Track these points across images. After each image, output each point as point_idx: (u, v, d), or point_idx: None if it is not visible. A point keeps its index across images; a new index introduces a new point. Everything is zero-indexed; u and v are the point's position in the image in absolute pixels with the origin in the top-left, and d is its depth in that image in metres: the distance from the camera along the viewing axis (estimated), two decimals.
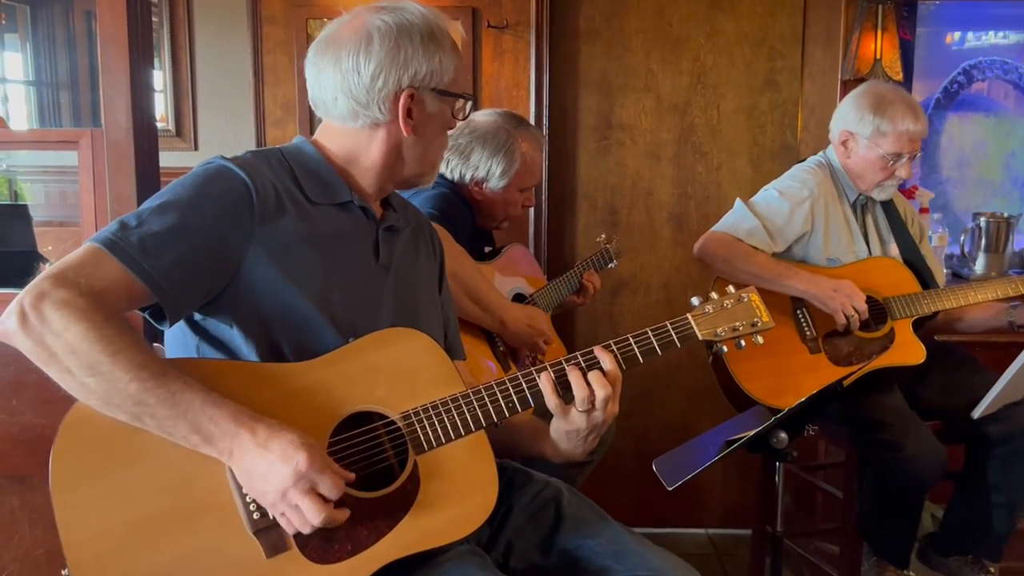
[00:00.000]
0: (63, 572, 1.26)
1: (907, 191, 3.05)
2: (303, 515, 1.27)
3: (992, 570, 2.61)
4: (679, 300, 3.56)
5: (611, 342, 1.48)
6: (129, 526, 1.28)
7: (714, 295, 1.55)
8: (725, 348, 1.55)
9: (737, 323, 1.53)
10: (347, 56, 1.46)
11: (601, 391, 1.41)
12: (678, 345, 1.51)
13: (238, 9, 3.33)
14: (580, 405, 1.42)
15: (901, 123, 2.51)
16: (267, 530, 1.32)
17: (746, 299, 1.55)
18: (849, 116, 2.59)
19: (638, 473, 3.36)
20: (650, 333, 1.50)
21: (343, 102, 1.48)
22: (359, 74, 1.46)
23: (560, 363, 1.45)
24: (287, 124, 3.36)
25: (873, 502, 2.49)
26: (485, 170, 2.35)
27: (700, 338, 1.52)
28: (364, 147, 1.52)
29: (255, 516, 1.31)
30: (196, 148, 3.43)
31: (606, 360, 1.44)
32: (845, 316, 2.45)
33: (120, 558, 1.27)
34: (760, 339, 1.54)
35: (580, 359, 1.45)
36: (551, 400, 1.43)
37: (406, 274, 1.57)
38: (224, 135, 3.40)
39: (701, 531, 3.64)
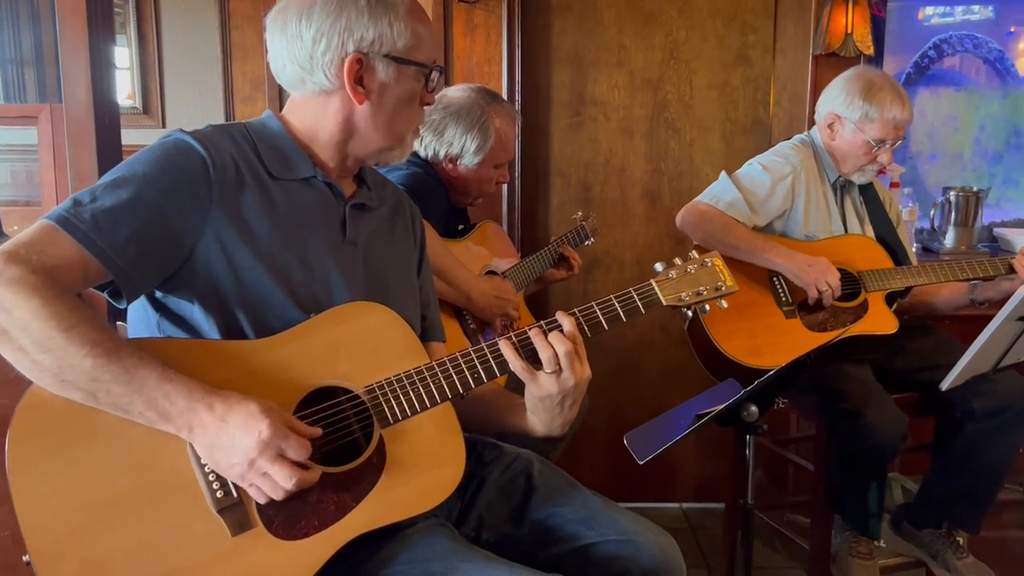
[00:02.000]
0: (24, 558, 1.24)
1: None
2: (274, 481, 1.26)
3: (960, 541, 2.65)
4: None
5: (575, 310, 1.47)
6: (89, 509, 1.25)
7: (678, 260, 1.55)
8: (690, 314, 1.55)
9: (701, 287, 1.53)
10: (292, 21, 1.43)
11: (562, 346, 1.40)
12: (642, 311, 1.50)
13: None
14: (547, 366, 1.41)
15: (889, 110, 2.54)
16: (231, 508, 1.30)
17: (709, 263, 1.55)
18: (838, 100, 2.61)
19: (612, 448, 3.38)
20: (614, 300, 1.50)
21: (290, 69, 1.47)
22: (301, 39, 1.43)
23: (523, 331, 1.44)
24: (256, 100, 3.32)
25: (839, 471, 2.53)
26: (459, 146, 2.33)
27: (664, 303, 1.52)
28: (320, 119, 1.49)
29: (218, 494, 1.30)
30: (164, 125, 3.38)
31: (566, 322, 1.43)
32: (818, 290, 2.47)
33: (81, 541, 1.24)
34: (724, 303, 1.54)
35: (542, 324, 1.45)
36: (516, 363, 1.42)
37: (377, 252, 1.55)
38: (192, 112, 3.35)
39: (675, 505, 3.66)
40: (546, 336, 1.42)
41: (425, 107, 1.54)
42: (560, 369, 1.41)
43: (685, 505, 3.67)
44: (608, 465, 3.44)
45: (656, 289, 1.52)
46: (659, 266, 1.55)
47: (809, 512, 2.74)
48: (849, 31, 3.11)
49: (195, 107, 3.36)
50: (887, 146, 2.58)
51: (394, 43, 1.44)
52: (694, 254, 1.57)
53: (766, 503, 3.23)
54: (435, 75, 1.51)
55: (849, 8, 3.11)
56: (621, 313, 1.49)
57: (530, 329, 1.43)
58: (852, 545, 2.61)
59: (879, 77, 2.60)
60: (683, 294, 1.53)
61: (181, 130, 1.42)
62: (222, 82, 3.31)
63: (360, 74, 1.44)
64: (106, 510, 1.26)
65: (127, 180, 1.32)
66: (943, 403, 2.51)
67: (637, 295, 1.51)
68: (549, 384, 1.42)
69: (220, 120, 3.30)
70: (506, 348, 1.42)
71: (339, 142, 1.50)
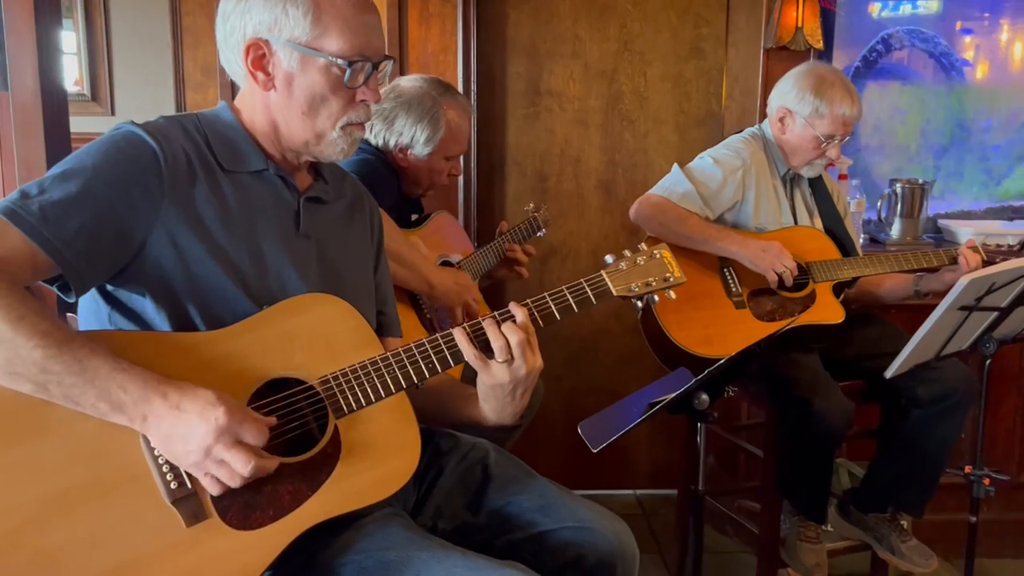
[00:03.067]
0: None
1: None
2: (230, 468, 1.26)
3: (904, 524, 2.72)
4: None
5: (528, 300, 1.49)
6: (42, 500, 1.24)
7: (627, 252, 1.58)
8: (640, 304, 1.58)
9: (650, 278, 1.56)
10: (222, 5, 1.45)
11: (514, 336, 1.42)
12: (593, 301, 1.53)
13: None
14: (499, 355, 1.42)
15: (839, 107, 2.59)
16: (185, 499, 1.30)
17: (658, 255, 1.58)
18: (790, 94, 2.65)
19: (567, 436, 3.39)
20: (566, 290, 1.52)
21: (222, 56, 1.48)
22: (221, 22, 1.44)
23: (476, 321, 1.46)
24: (208, 88, 3.28)
25: (788, 457, 2.58)
26: (409, 136, 2.32)
27: (615, 294, 1.55)
28: (253, 109, 1.48)
29: (172, 485, 1.29)
30: (112, 113, 3.32)
31: (518, 312, 1.45)
32: (776, 273, 2.52)
33: (34, 533, 1.23)
34: (672, 294, 1.58)
35: (496, 315, 1.47)
36: (469, 352, 1.43)
37: (332, 246, 1.55)
38: (142, 99, 3.30)
39: (629, 492, 3.71)
40: (499, 326, 1.44)
41: (364, 103, 1.46)
42: (512, 358, 1.43)
43: (639, 492, 3.72)
44: (564, 452, 3.47)
45: (607, 280, 1.55)
46: (609, 258, 1.58)
47: (759, 498, 2.79)
48: (799, 25, 3.16)
49: (144, 94, 3.31)
50: (835, 141, 2.64)
51: (292, 30, 1.39)
52: (643, 246, 1.60)
53: (717, 489, 3.28)
54: (361, 68, 1.42)
55: (799, 2, 3.16)
56: (573, 304, 1.52)
57: (484, 319, 1.45)
58: (800, 529, 2.67)
59: (831, 74, 2.65)
60: (633, 285, 1.56)
61: (132, 122, 1.40)
62: (172, 69, 3.26)
63: (264, 61, 1.41)
64: (59, 502, 1.25)
65: (76, 172, 1.31)
66: (888, 390, 2.57)
67: (588, 286, 1.53)
68: (501, 373, 1.44)
69: (170, 107, 3.27)
70: (460, 336, 1.43)
71: (269, 133, 1.48)
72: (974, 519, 2.31)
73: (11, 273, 1.23)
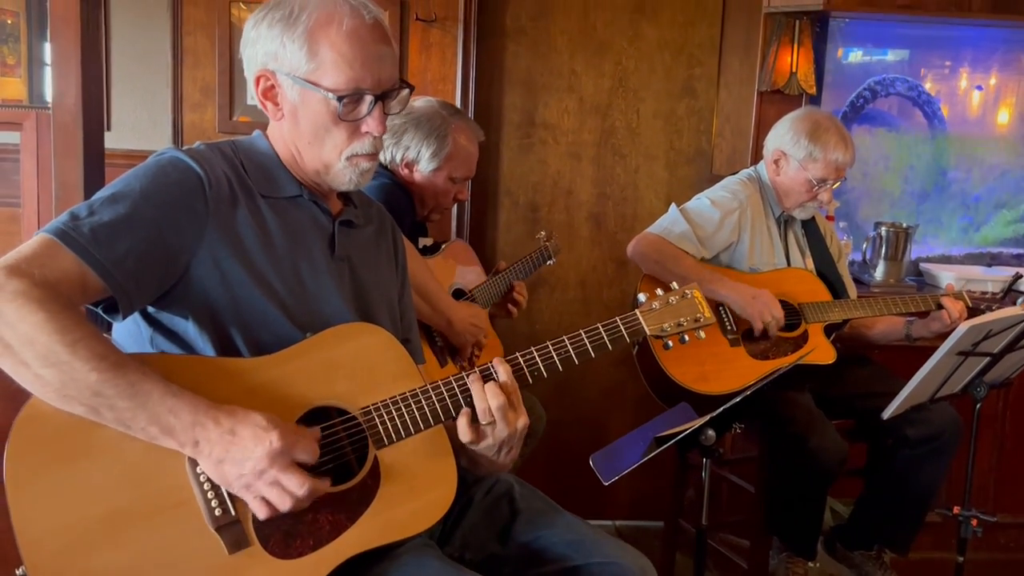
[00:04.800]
0: (17, 572, 1.22)
1: None
2: (283, 490, 1.27)
3: (886, 560, 2.78)
4: (595, 297, 3.64)
5: (564, 338, 1.51)
6: (87, 523, 1.24)
7: (660, 291, 1.60)
8: (671, 343, 1.60)
9: (682, 319, 1.59)
10: (243, 34, 1.49)
11: (495, 400, 1.41)
12: (627, 340, 1.55)
13: None
14: (481, 418, 1.43)
15: (832, 152, 2.66)
16: (228, 525, 1.30)
17: (690, 295, 1.61)
18: (785, 137, 2.72)
19: (551, 465, 3.42)
20: (601, 329, 1.54)
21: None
22: (243, 50, 1.49)
23: (460, 375, 1.45)
24: (206, 108, 3.27)
25: (781, 494, 2.62)
26: (416, 151, 2.34)
27: (648, 333, 1.57)
28: (276, 136, 1.52)
29: (216, 511, 1.30)
30: (109, 129, 3.29)
31: (500, 371, 1.45)
32: (762, 322, 2.57)
33: (78, 556, 1.23)
34: (703, 334, 1.61)
35: (479, 370, 1.46)
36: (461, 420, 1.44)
37: (363, 269, 1.57)
38: (139, 117, 3.28)
39: (609, 522, 3.73)
40: (483, 386, 1.43)
41: (368, 135, 1.46)
42: (493, 421, 1.43)
43: (619, 522, 3.74)
44: (546, 481, 3.44)
45: (641, 319, 1.57)
46: (642, 297, 1.60)
47: (746, 533, 2.83)
48: (794, 70, 3.26)
49: (141, 112, 3.29)
50: (828, 186, 2.71)
51: (291, 63, 1.41)
52: (675, 285, 1.62)
53: (710, 524, 3.31)
54: (361, 100, 1.42)
55: (794, 48, 3.25)
56: (607, 342, 1.54)
57: (468, 375, 1.45)
58: (788, 565, 2.71)
59: (827, 120, 2.73)
60: (665, 324, 1.59)
61: (175, 147, 1.43)
62: (171, 88, 3.25)
63: (273, 91, 1.45)
64: (104, 525, 1.25)
65: (124, 195, 1.33)
66: (877, 430, 2.63)
67: (623, 324, 1.56)
68: (485, 436, 1.45)
69: (167, 126, 3.27)
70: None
71: (289, 158, 1.51)
72: (961, 559, 2.37)
73: (65, 295, 1.24)
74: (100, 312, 1.35)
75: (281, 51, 1.41)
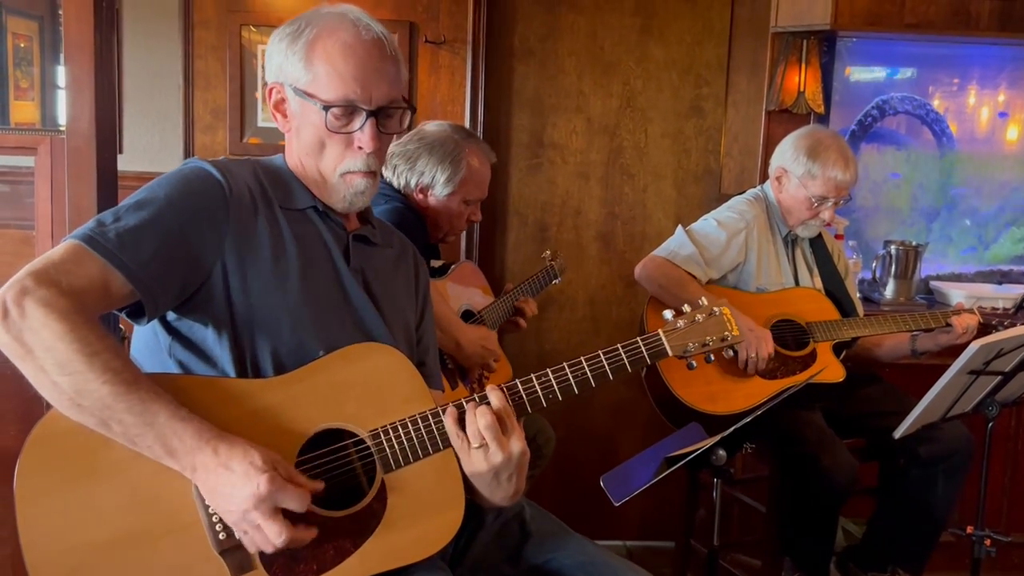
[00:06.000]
0: None
1: None
2: (265, 535, 1.27)
3: None
4: (604, 316, 3.64)
5: (581, 358, 1.47)
6: (95, 545, 1.25)
7: (686, 308, 1.52)
8: (695, 363, 1.53)
9: (708, 337, 1.51)
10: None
11: (482, 419, 1.38)
12: (648, 362, 1.49)
13: (169, 13, 3.25)
14: (472, 441, 1.39)
15: (831, 170, 2.65)
16: (233, 550, 1.31)
17: (718, 313, 1.52)
18: (787, 154, 2.72)
19: (559, 485, 3.41)
20: (621, 350, 1.48)
21: None
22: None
23: (459, 402, 1.42)
24: (217, 130, 3.30)
25: (792, 514, 2.60)
26: (430, 176, 2.35)
27: (671, 355, 1.49)
28: (288, 151, 1.56)
29: (220, 536, 1.30)
30: (121, 151, 3.32)
31: (493, 397, 1.41)
32: (747, 354, 2.52)
33: None
34: (731, 352, 1.54)
35: (476, 397, 1.43)
36: (453, 433, 1.40)
37: (377, 285, 1.57)
38: (151, 139, 3.31)
39: (620, 543, 3.71)
40: (475, 408, 1.40)
41: (361, 151, 1.46)
42: (485, 444, 1.39)
43: (630, 543, 3.72)
44: (555, 501, 3.45)
45: (664, 339, 1.49)
46: (668, 314, 1.52)
47: (758, 553, 2.82)
48: (802, 89, 3.26)
49: (153, 134, 3.32)
50: (829, 204, 2.69)
51: (293, 74, 1.46)
52: (703, 301, 1.54)
53: (721, 544, 3.29)
54: (351, 113, 1.44)
55: (802, 67, 3.26)
56: (627, 363, 1.47)
57: (466, 401, 1.42)
58: None
59: (829, 138, 2.72)
60: (690, 344, 1.50)
61: (199, 158, 1.47)
62: (183, 110, 3.28)
63: (283, 104, 1.50)
64: (110, 548, 1.26)
65: (149, 202, 1.37)
66: (888, 449, 2.62)
67: (644, 345, 1.48)
68: (478, 460, 1.40)
69: (179, 148, 3.30)
70: (447, 419, 1.41)
71: (302, 173, 1.54)
72: None
73: (90, 303, 1.28)
74: (125, 316, 1.38)
75: (286, 64, 1.46)
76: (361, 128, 1.45)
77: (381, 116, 1.47)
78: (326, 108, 1.43)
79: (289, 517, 1.28)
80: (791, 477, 2.56)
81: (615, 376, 1.48)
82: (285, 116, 1.50)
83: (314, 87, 1.44)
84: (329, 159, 1.48)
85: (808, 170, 2.67)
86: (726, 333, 1.52)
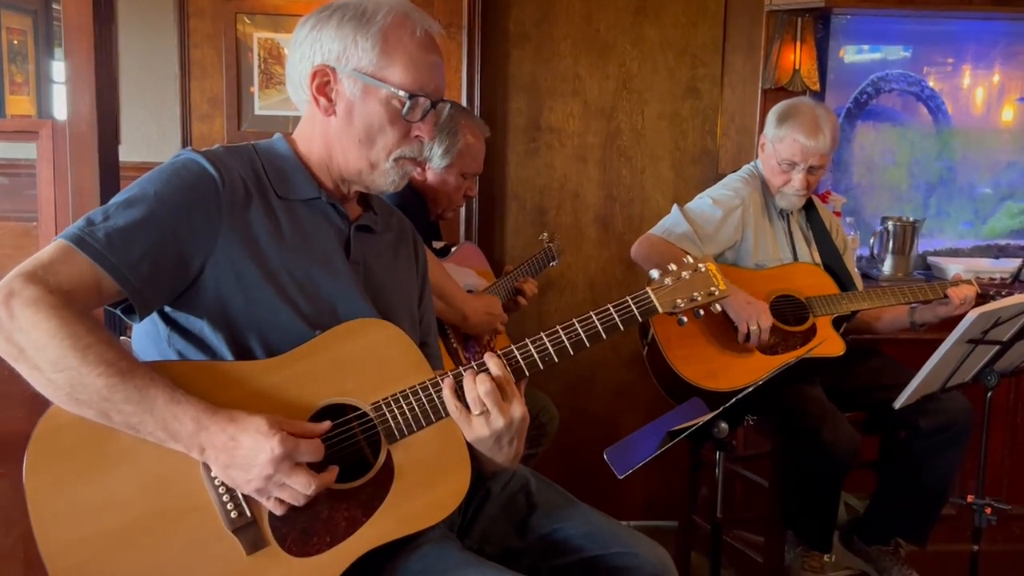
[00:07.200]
0: None
1: (820, 195, 3.21)
2: (293, 490, 1.30)
3: (902, 553, 2.78)
4: (604, 299, 3.54)
5: (574, 320, 1.50)
6: (108, 533, 1.27)
7: (672, 266, 1.56)
8: (685, 319, 1.56)
9: (695, 293, 1.55)
10: (294, 33, 1.52)
11: (482, 386, 1.40)
12: (639, 319, 1.52)
13: (164, 2, 3.26)
14: (473, 408, 1.42)
15: (796, 132, 2.67)
16: (245, 527, 1.33)
17: (703, 268, 1.56)
18: (768, 121, 2.76)
19: (564, 466, 3.43)
20: (612, 309, 1.51)
21: (289, 84, 1.54)
22: (291, 49, 1.51)
23: (458, 371, 1.44)
24: (214, 119, 3.30)
25: (795, 488, 2.63)
26: (427, 149, 2.37)
27: (660, 311, 1.53)
28: (311, 136, 1.53)
29: (232, 514, 1.32)
30: (119, 141, 3.33)
31: (492, 364, 1.44)
32: (748, 327, 2.56)
33: (100, 566, 1.26)
34: (718, 307, 1.57)
35: (474, 365, 1.46)
36: (451, 404, 1.43)
37: (379, 274, 1.58)
38: (148, 129, 3.32)
39: (624, 523, 3.72)
40: (474, 377, 1.43)
41: (418, 138, 1.50)
42: (487, 410, 1.42)
43: (633, 523, 3.74)
44: (559, 482, 3.47)
45: (652, 297, 1.53)
46: (655, 273, 1.56)
47: (761, 528, 2.84)
48: (797, 67, 3.27)
49: (150, 123, 3.33)
50: (797, 170, 2.70)
51: (359, 60, 1.45)
52: (689, 259, 1.58)
53: (724, 519, 3.31)
54: (419, 103, 1.46)
55: (797, 45, 3.27)
56: (619, 322, 1.51)
57: (464, 369, 1.45)
58: (804, 559, 2.71)
59: (806, 107, 2.73)
60: (678, 300, 1.54)
61: (192, 149, 1.45)
62: (179, 100, 3.29)
63: (328, 87, 1.47)
64: (124, 534, 1.28)
65: (139, 199, 1.35)
66: (889, 422, 2.64)
67: (634, 303, 1.52)
68: (479, 426, 1.42)
69: (176, 137, 3.30)
70: (446, 390, 1.43)
71: (325, 160, 1.52)
72: (976, 548, 2.37)
73: (79, 300, 1.27)
74: (119, 313, 1.38)
75: (352, 48, 1.44)
76: (423, 118, 1.48)
77: (436, 107, 1.50)
78: (410, 96, 1.44)
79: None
80: (793, 451, 2.58)
81: (608, 335, 1.51)
82: (329, 99, 1.47)
83: (387, 73, 1.44)
84: (384, 145, 1.48)
85: (776, 133, 2.71)
86: (712, 288, 1.55)
